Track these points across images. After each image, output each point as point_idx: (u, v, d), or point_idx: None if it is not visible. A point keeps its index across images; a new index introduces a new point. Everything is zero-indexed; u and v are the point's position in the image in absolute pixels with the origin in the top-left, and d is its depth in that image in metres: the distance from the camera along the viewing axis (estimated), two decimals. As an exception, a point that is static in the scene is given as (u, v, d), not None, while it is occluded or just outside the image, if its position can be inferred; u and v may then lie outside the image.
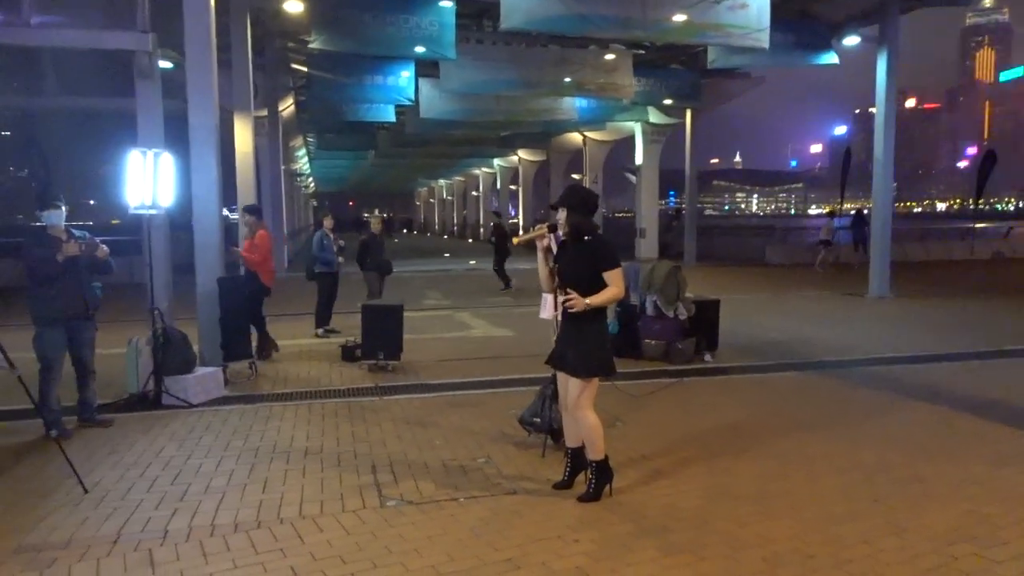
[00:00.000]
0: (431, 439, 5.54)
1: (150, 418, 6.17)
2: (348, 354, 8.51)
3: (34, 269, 5.51)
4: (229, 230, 9.69)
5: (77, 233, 5.72)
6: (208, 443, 5.50)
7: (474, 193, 54.11)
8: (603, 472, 4.32)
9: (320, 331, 10.21)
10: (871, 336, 10.18)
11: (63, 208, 5.65)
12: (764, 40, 12.94)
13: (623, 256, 4.39)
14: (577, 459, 4.48)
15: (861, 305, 13.62)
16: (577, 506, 4.23)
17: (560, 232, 4.33)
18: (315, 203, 64.11)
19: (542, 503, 4.28)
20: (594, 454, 4.30)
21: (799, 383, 7.48)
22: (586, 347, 4.23)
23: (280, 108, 22.57)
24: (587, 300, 4.13)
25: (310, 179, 53.11)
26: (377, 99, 18.54)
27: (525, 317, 11.34)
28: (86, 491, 4.48)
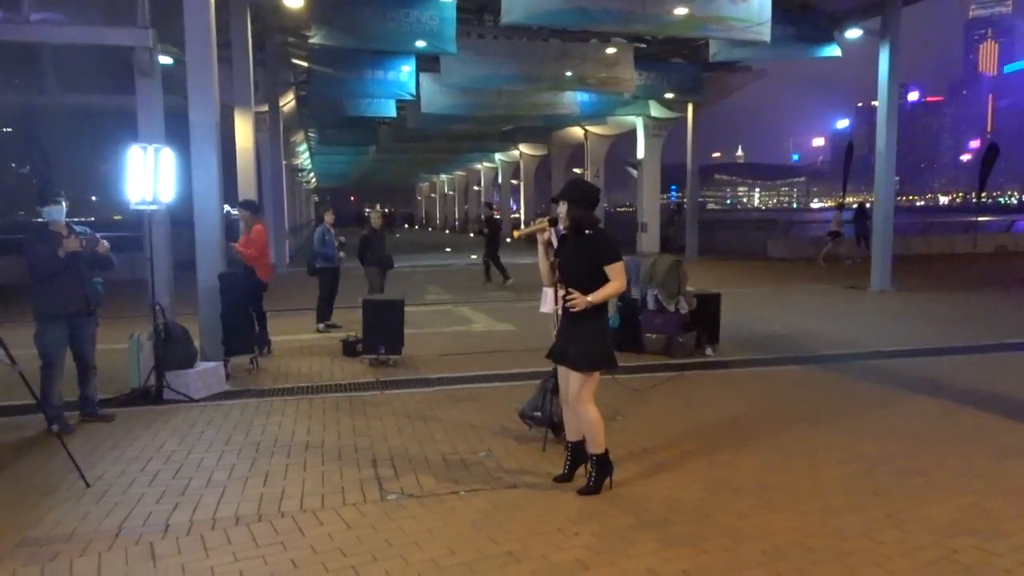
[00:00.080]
0: (432, 433, 5.55)
1: (152, 413, 6.20)
2: (349, 349, 8.52)
3: (35, 265, 5.50)
4: (230, 226, 9.70)
5: (78, 229, 5.71)
6: (209, 437, 5.51)
7: (475, 188, 54.08)
8: (603, 465, 4.32)
9: (321, 326, 10.23)
10: (873, 330, 10.17)
11: (64, 204, 5.64)
12: (766, 33, 12.90)
13: (624, 250, 4.38)
14: (577, 453, 4.48)
15: (863, 299, 13.60)
16: (577, 499, 4.23)
17: (561, 226, 4.32)
18: (316, 198, 64.01)
19: (542, 496, 4.29)
20: (594, 447, 4.30)
21: (800, 377, 7.48)
22: (587, 341, 4.23)
23: (281, 103, 22.54)
24: (588, 298, 4.11)
25: (311, 174, 53.06)
26: (378, 94, 18.51)
27: (526, 311, 11.35)
28: (88, 485, 4.50)
